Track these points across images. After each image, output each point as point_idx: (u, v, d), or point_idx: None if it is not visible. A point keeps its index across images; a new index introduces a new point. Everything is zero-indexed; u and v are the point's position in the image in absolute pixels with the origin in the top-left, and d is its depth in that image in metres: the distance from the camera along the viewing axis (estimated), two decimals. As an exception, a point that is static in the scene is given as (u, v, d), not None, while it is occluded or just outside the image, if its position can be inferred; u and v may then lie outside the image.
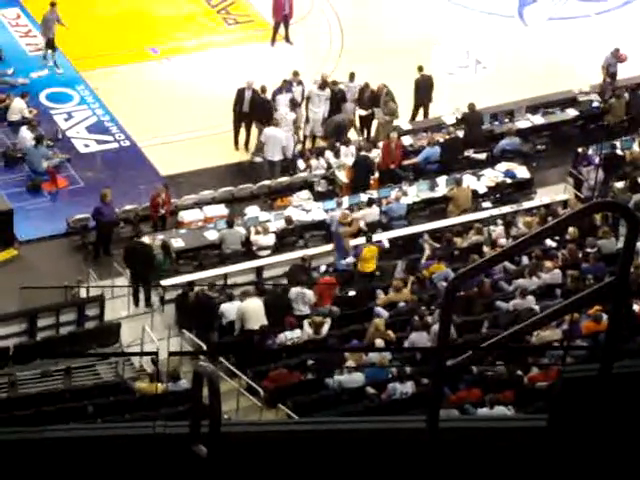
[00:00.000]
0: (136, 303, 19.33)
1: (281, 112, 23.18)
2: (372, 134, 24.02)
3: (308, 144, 23.95)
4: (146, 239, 20.33)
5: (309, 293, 18.61)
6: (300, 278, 19.05)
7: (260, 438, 5.87)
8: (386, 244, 20.41)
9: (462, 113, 23.49)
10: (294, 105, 23.32)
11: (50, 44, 25.06)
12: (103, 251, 20.68)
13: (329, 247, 20.55)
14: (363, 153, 22.68)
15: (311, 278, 19.20)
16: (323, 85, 23.71)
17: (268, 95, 23.42)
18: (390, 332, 17.36)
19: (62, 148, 22.95)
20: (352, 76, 24.14)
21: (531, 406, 15.31)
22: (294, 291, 18.67)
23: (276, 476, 5.87)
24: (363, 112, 23.82)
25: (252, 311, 17.94)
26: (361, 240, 20.22)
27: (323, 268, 19.90)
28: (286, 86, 23.65)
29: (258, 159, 23.03)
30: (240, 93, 23.36)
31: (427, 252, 19.87)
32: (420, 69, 24.21)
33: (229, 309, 18.35)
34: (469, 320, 18.01)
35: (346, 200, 21.63)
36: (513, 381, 16.43)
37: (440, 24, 27.45)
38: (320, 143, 23.94)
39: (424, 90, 24.20)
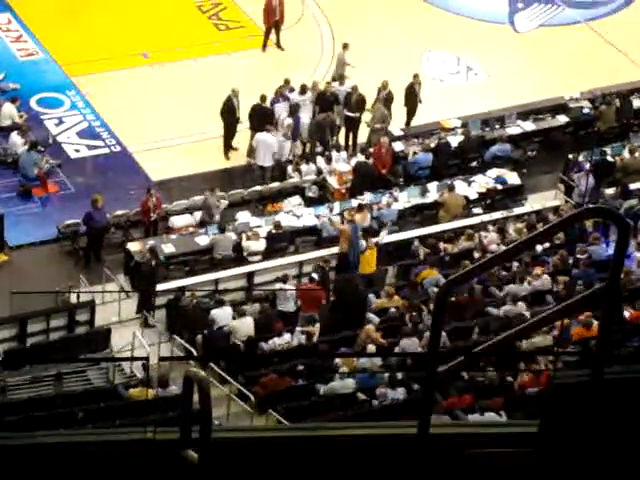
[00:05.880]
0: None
1: (281, 118, 23.23)
2: (358, 138, 24.03)
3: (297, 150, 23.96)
4: (136, 244, 20.34)
5: (288, 287, 18.71)
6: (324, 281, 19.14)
7: (251, 444, 5.86)
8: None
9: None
10: (294, 111, 23.33)
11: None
12: (94, 257, 20.65)
13: (320, 253, 20.55)
14: (363, 159, 22.73)
15: (328, 280, 19.31)
16: (303, 90, 23.75)
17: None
18: (380, 337, 17.36)
19: (53, 153, 22.92)
20: (341, 79, 24.21)
21: (522, 412, 15.32)
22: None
23: (267, 482, 5.86)
24: (350, 114, 23.80)
25: (244, 331, 17.90)
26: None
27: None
28: (282, 94, 23.65)
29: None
30: (229, 102, 23.27)
31: (422, 258, 19.95)
32: (415, 77, 24.20)
33: (220, 315, 18.34)
34: (460, 326, 18.02)
35: (337, 205, 21.65)
36: (504, 387, 16.44)
37: (431, 30, 27.50)
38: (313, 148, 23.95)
39: (411, 98, 24.24)
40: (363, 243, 20.15)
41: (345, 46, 25.10)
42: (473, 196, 22.38)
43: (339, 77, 24.58)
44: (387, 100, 23.85)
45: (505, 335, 6.23)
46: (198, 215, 21.41)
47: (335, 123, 23.70)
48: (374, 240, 20.19)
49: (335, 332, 18.05)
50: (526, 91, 25.22)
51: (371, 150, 23.06)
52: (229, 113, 23.28)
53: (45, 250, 20.91)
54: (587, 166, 22.41)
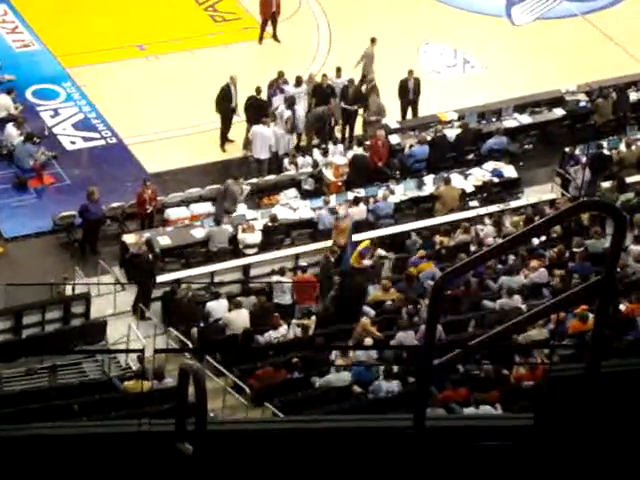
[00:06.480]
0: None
1: (279, 111, 23.18)
2: (354, 130, 23.99)
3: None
4: (132, 237, 20.31)
5: (285, 280, 18.71)
6: (328, 272, 19.06)
7: (246, 436, 5.85)
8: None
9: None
10: (291, 104, 23.29)
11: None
12: (89, 249, 20.63)
13: (316, 245, 20.54)
14: (360, 152, 22.70)
15: (329, 272, 19.26)
16: (298, 83, 23.70)
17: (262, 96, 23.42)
18: (376, 330, 17.35)
19: (48, 145, 22.87)
20: (339, 71, 24.16)
21: (517, 405, 15.32)
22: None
23: (262, 474, 5.85)
24: (347, 107, 23.76)
25: (240, 322, 17.90)
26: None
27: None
28: (278, 86, 23.60)
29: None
30: (226, 90, 23.27)
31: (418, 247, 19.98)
32: (410, 73, 24.15)
33: (215, 307, 18.33)
34: (456, 319, 18.01)
35: (333, 198, 21.63)
36: (499, 380, 16.43)
37: (428, 23, 27.46)
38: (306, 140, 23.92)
39: (403, 93, 24.22)
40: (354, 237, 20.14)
41: (373, 40, 24.64)
42: (469, 189, 22.37)
43: (366, 73, 24.27)
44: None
45: (501, 328, 6.21)
46: (197, 206, 21.34)
47: (334, 116, 23.67)
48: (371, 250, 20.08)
49: (332, 325, 18.05)
50: (523, 84, 25.20)
51: (367, 143, 23.03)
52: (225, 101, 23.22)
53: (40, 242, 20.87)
54: (583, 159, 22.40)
